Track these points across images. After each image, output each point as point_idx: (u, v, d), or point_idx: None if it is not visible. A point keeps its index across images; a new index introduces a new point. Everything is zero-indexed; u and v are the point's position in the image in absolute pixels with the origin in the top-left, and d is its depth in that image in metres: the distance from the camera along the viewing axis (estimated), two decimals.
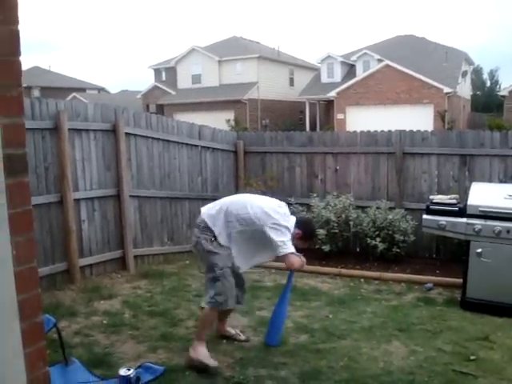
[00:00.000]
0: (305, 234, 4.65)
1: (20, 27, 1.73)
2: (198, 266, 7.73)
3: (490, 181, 7.58)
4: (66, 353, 3.44)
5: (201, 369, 4.23)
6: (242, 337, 4.95)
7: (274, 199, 4.69)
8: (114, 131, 7.17)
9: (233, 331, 4.97)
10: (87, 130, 6.89)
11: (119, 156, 7.19)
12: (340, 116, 32.20)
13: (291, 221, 4.53)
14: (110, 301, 6.08)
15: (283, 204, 4.64)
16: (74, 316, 5.51)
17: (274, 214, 4.39)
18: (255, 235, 4.41)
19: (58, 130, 6.41)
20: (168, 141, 8.06)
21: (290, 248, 4.37)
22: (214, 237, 4.41)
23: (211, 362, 4.29)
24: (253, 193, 8.35)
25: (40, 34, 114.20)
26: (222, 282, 4.36)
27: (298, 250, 4.51)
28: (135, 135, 7.52)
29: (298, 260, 4.45)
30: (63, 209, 6.49)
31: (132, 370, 2.52)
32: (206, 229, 4.44)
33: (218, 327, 4.93)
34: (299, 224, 4.61)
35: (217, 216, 4.47)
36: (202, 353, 4.33)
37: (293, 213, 4.91)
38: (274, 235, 4.32)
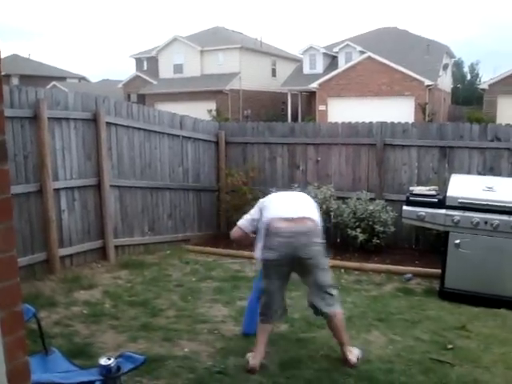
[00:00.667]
0: None
1: None
2: (179, 256, 7.75)
3: (469, 173, 7.67)
4: (46, 343, 3.42)
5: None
6: None
7: None
8: (94, 120, 7.10)
9: None
10: (67, 119, 6.82)
11: (100, 145, 7.14)
12: (322, 107, 32.24)
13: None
14: (90, 291, 6.06)
15: None
16: (53, 306, 5.48)
17: None
18: None
19: (38, 118, 6.34)
20: (149, 130, 8.01)
21: None
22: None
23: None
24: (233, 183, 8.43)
25: (19, 21, 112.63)
26: None
27: None
28: (116, 124, 7.46)
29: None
30: (43, 198, 6.44)
31: (112, 360, 2.51)
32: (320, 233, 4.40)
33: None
34: None
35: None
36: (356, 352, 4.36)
37: None
38: None
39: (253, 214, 4.50)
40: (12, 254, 1.84)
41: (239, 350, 4.50)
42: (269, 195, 4.69)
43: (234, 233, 4.59)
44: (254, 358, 4.16)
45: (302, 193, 4.88)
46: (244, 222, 4.52)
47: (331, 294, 4.27)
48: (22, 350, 1.85)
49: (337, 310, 4.30)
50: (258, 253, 4.33)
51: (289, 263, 4.20)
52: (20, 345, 1.84)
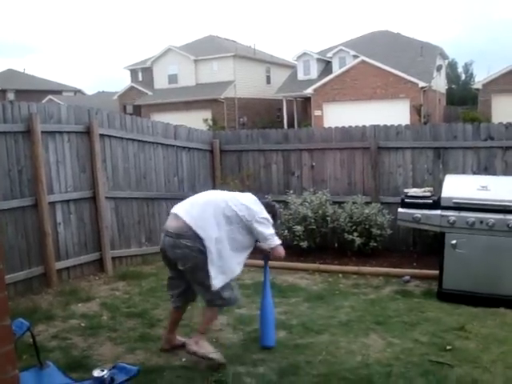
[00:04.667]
0: (273, 218, 4.56)
1: None
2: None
3: (464, 173, 7.67)
4: (43, 357, 3.40)
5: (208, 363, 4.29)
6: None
7: (246, 193, 4.68)
8: (88, 133, 7.12)
9: (182, 339, 4.74)
10: (61, 133, 6.84)
11: (94, 158, 7.15)
12: (317, 113, 32.30)
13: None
14: (87, 303, 6.05)
15: (254, 197, 4.58)
16: (51, 320, 5.47)
17: (257, 207, 4.39)
18: (238, 234, 4.33)
19: (31, 132, 6.36)
20: (143, 141, 8.02)
21: (278, 239, 4.43)
22: (203, 245, 4.19)
23: (218, 356, 4.32)
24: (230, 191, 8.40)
25: (14, 36, 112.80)
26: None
27: None
28: (110, 136, 7.47)
29: (283, 250, 4.50)
30: (38, 212, 6.45)
31: (106, 371, 2.51)
32: (195, 237, 4.18)
33: (168, 339, 4.71)
34: (267, 209, 4.53)
35: (205, 218, 4.24)
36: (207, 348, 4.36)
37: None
38: (264, 228, 4.33)
39: None
40: None
41: (237, 358, 4.49)
42: None
43: None
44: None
45: (228, 191, 4.78)
46: None
47: (221, 297, 4.32)
48: (11, 364, 1.85)
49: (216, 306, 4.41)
50: None
51: (167, 258, 4.39)
52: (9, 359, 1.84)
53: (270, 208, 4.59)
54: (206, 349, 4.30)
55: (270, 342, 4.72)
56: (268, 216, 4.41)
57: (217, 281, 4.19)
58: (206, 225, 4.21)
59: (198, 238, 4.16)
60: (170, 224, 4.33)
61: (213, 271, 4.18)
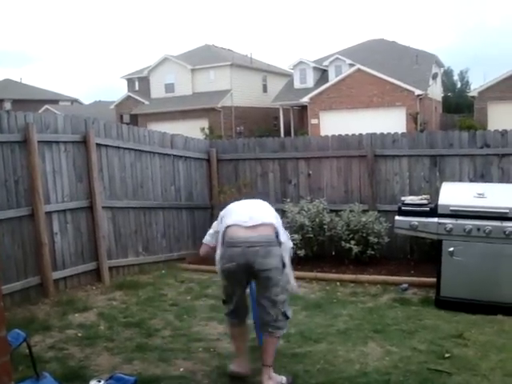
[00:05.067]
0: None
1: None
2: (174, 275, 7.72)
3: (461, 180, 7.69)
4: (40, 368, 3.39)
5: None
6: None
7: None
8: (84, 142, 7.11)
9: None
10: (57, 142, 6.83)
11: (90, 167, 7.14)
12: (314, 121, 32.36)
13: None
14: (84, 313, 6.01)
15: None
16: (48, 330, 5.43)
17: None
18: None
19: (27, 142, 6.35)
20: (140, 150, 8.02)
21: None
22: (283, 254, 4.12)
23: (283, 378, 4.13)
24: (226, 200, 8.38)
25: (11, 46, 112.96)
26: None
27: None
28: (106, 146, 7.47)
29: None
30: (35, 222, 6.42)
31: (103, 382, 2.50)
32: (279, 244, 4.07)
33: (244, 360, 4.35)
34: None
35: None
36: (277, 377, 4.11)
37: None
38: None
39: (214, 226, 4.46)
40: None
41: None
42: (229, 205, 4.49)
43: (201, 250, 4.60)
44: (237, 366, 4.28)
45: (261, 200, 4.56)
46: (207, 237, 4.51)
47: (285, 316, 4.14)
48: (7, 376, 1.83)
49: (279, 333, 4.15)
50: (217, 262, 4.20)
51: (246, 273, 4.04)
52: (5, 370, 1.83)
53: None
54: (277, 379, 4.07)
55: None
56: None
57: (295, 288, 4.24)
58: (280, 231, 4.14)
59: (279, 246, 4.04)
60: (256, 233, 3.98)
61: (292, 281, 4.17)
